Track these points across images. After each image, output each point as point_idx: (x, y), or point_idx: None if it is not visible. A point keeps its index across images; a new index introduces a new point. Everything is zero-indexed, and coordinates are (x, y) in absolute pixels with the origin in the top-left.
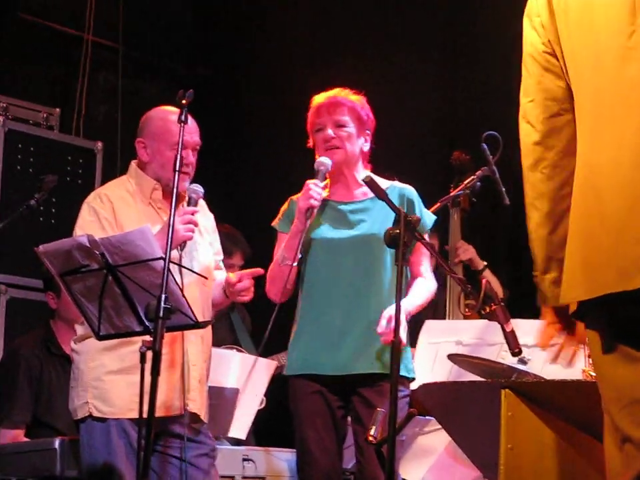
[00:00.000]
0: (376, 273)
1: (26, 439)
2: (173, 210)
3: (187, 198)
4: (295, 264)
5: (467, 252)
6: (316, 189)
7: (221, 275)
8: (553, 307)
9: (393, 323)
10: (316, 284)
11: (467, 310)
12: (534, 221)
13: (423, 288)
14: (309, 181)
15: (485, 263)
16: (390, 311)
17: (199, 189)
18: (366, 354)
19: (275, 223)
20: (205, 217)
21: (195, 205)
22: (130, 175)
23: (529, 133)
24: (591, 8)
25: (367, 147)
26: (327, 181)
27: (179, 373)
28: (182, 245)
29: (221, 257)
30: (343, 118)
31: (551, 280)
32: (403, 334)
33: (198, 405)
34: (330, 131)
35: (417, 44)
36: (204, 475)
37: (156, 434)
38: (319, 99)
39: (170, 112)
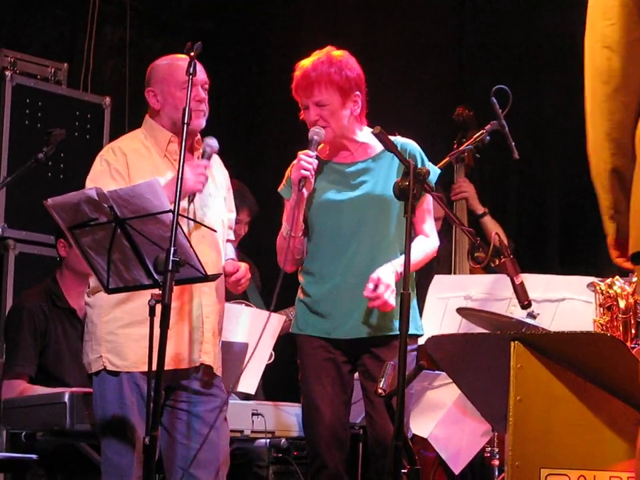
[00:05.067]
0: (380, 233)
1: (33, 386)
2: (182, 154)
3: (201, 150)
4: (300, 234)
5: (464, 193)
6: (307, 159)
7: (229, 249)
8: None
9: (380, 287)
10: (321, 247)
11: (474, 262)
12: (609, 151)
13: (421, 246)
14: (300, 152)
15: (485, 210)
16: (377, 274)
17: (214, 142)
18: (375, 317)
19: (280, 189)
20: (220, 172)
21: (209, 158)
22: (144, 128)
23: (609, 57)
24: None
25: (358, 110)
26: (321, 146)
27: (192, 325)
28: (191, 197)
29: (234, 214)
30: (321, 97)
31: (624, 210)
32: (391, 297)
33: (211, 357)
34: (312, 114)
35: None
36: (212, 429)
37: (168, 388)
38: (297, 72)
39: (175, 57)
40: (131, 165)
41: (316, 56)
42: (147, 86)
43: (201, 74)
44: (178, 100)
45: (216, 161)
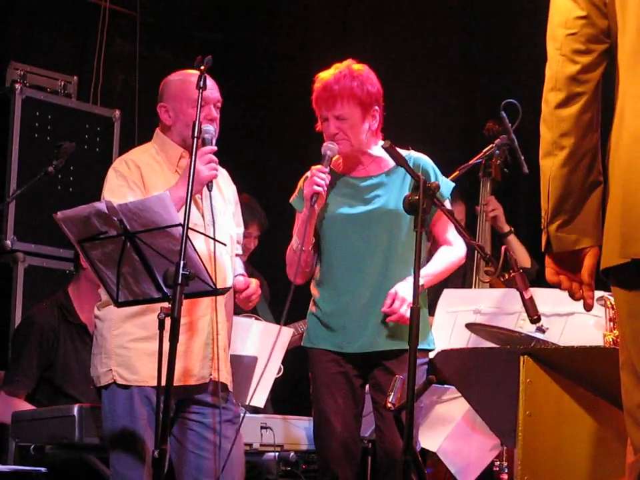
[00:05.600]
0: (393, 248)
1: (30, 405)
2: (192, 167)
3: (201, 140)
4: (309, 248)
5: (495, 211)
6: (320, 175)
7: (238, 264)
8: (556, 253)
9: (397, 302)
10: (333, 260)
11: (485, 277)
12: (558, 159)
13: (443, 256)
14: (313, 167)
15: (511, 228)
16: (395, 288)
17: (209, 128)
18: (388, 331)
19: (291, 200)
20: (229, 187)
21: (210, 144)
22: (155, 142)
23: (565, 66)
24: None
25: (375, 125)
26: (335, 157)
27: (203, 341)
28: (210, 185)
29: (242, 229)
30: (342, 111)
31: (560, 222)
32: (408, 311)
33: (224, 373)
34: (332, 127)
35: (438, 16)
36: (227, 441)
37: (180, 401)
38: (318, 84)
39: (188, 73)
40: (144, 178)
41: (337, 69)
42: (159, 101)
43: (214, 92)
44: (189, 117)
45: (224, 175)
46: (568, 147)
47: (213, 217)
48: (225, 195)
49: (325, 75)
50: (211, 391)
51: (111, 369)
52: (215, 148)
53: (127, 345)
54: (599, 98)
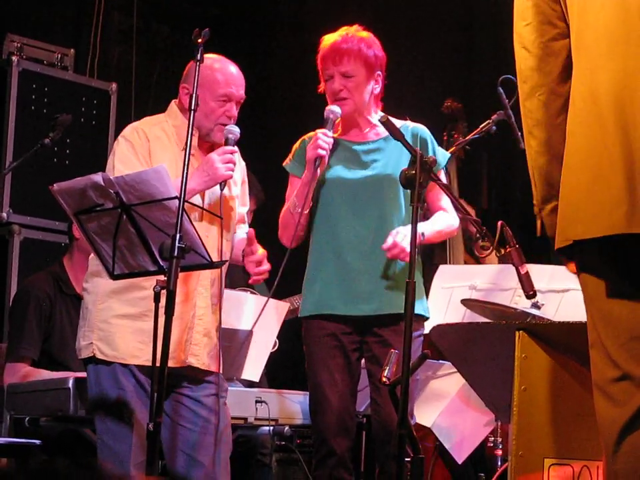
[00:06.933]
0: (390, 213)
1: (37, 369)
2: (188, 149)
3: (224, 138)
4: (307, 211)
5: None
6: (324, 138)
7: (241, 233)
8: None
9: (399, 236)
10: (329, 224)
11: (481, 252)
12: (533, 149)
13: (442, 218)
14: (317, 131)
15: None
16: (398, 229)
17: (235, 129)
18: (382, 294)
19: (285, 163)
20: (238, 167)
21: (233, 145)
22: (169, 116)
23: (525, 57)
24: None
25: (377, 89)
26: (338, 119)
27: (185, 325)
28: (222, 184)
29: (246, 208)
30: (349, 68)
31: (550, 209)
32: (408, 246)
33: (202, 359)
34: (337, 83)
35: None
36: (213, 413)
37: (168, 375)
38: (325, 43)
39: (216, 60)
40: (152, 151)
41: (344, 31)
42: (183, 81)
43: (240, 90)
44: (209, 109)
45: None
46: (539, 137)
47: (220, 211)
48: (233, 175)
49: (332, 36)
50: (189, 374)
51: (91, 342)
52: (237, 149)
53: (110, 321)
54: (566, 90)
